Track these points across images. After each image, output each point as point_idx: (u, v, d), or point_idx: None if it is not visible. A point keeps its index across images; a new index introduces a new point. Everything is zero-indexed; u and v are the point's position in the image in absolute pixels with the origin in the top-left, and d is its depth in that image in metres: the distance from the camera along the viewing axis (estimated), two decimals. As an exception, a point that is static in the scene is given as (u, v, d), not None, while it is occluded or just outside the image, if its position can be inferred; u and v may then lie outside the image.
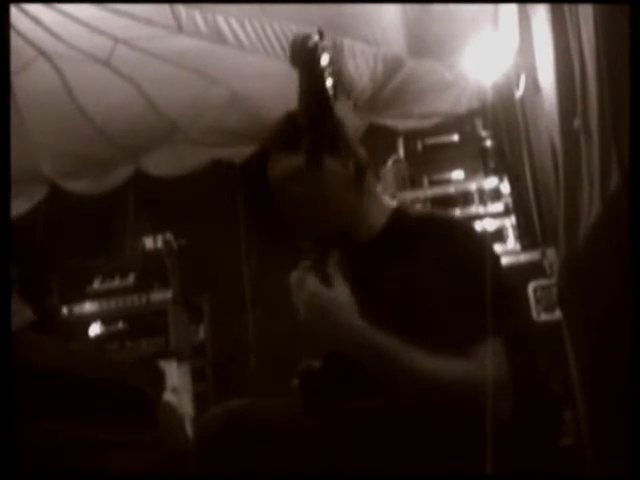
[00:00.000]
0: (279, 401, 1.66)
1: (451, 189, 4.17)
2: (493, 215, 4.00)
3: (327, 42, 1.34)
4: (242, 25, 3.74)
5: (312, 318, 1.41)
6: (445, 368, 1.32)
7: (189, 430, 3.30)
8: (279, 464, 1.37)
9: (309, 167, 1.44)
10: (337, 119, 1.47)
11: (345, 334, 1.37)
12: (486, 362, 1.30)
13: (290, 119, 1.58)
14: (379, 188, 1.73)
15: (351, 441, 1.39)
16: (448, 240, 1.48)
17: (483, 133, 4.31)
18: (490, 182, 4.11)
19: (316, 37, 1.32)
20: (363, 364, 1.38)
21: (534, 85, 3.19)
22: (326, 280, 1.41)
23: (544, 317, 3.25)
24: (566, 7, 2.34)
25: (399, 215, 1.63)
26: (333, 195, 1.59)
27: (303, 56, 1.33)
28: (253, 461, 1.38)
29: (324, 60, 1.32)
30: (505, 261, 3.40)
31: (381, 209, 1.64)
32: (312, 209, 1.60)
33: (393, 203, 1.69)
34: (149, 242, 5.22)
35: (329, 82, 1.32)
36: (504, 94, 4.00)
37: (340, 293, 1.41)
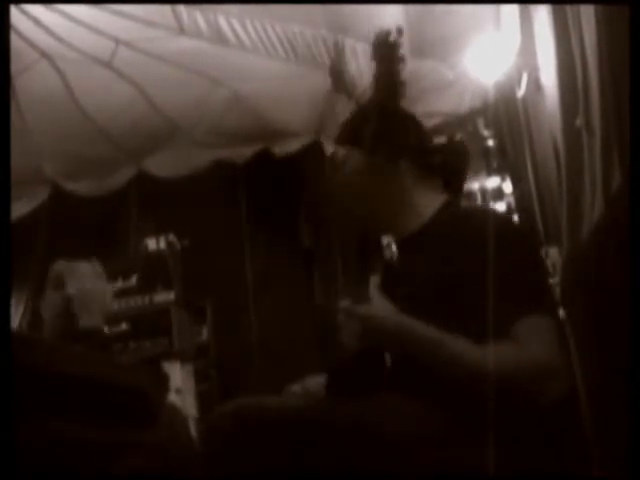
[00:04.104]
0: (288, 399, 1.67)
1: (453, 189, 4.17)
2: (496, 214, 4.00)
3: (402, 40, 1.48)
4: (243, 26, 3.74)
5: (374, 334, 1.47)
6: (506, 354, 1.35)
7: (193, 431, 3.29)
8: (286, 461, 1.37)
9: (373, 154, 1.57)
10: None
11: (408, 336, 1.43)
12: (536, 345, 1.36)
13: (359, 115, 1.70)
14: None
15: (377, 436, 1.39)
16: (493, 230, 1.51)
17: (485, 132, 4.31)
18: (492, 181, 4.11)
19: (395, 34, 1.45)
20: (393, 361, 1.46)
21: (536, 84, 3.19)
22: (365, 299, 1.48)
23: (547, 316, 3.25)
24: (568, 6, 2.34)
25: (449, 207, 1.67)
26: (387, 184, 1.66)
27: (384, 50, 1.46)
28: (260, 459, 1.37)
29: (400, 53, 1.46)
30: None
31: (432, 200, 1.68)
32: (365, 201, 1.69)
33: (445, 196, 1.71)
34: (152, 243, 5.22)
35: (402, 77, 1.47)
36: (506, 93, 4.00)
37: (383, 303, 1.48)
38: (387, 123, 1.55)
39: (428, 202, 1.67)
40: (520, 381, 1.34)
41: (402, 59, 1.45)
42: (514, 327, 1.37)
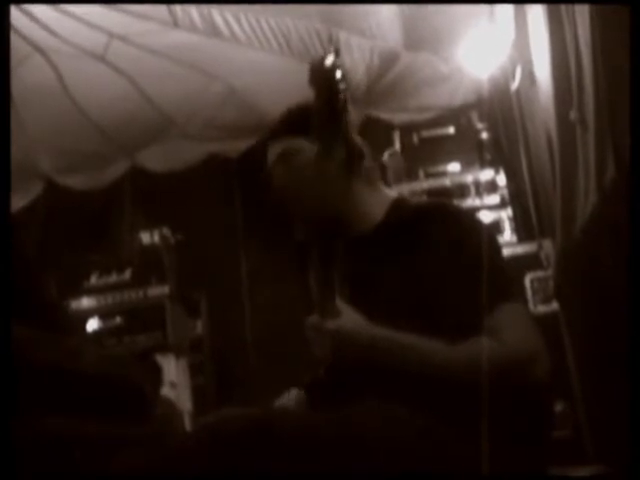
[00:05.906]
0: (273, 410, 1.66)
1: (447, 181, 4.18)
2: (489, 207, 4.00)
3: (340, 60, 1.39)
4: (238, 19, 3.73)
5: (346, 348, 1.46)
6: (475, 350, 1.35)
7: (187, 425, 3.30)
8: (267, 472, 1.33)
9: (321, 158, 1.48)
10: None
11: (380, 346, 1.43)
12: (511, 334, 1.38)
13: (296, 112, 1.72)
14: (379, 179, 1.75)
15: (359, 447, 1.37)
16: (448, 226, 1.52)
17: (479, 125, 4.31)
18: (486, 174, 4.11)
19: (332, 57, 1.37)
20: (369, 371, 1.43)
21: (530, 77, 3.19)
22: (334, 313, 1.48)
23: (541, 309, 3.26)
24: (561, 0, 2.34)
25: (399, 206, 1.65)
26: (336, 184, 1.63)
27: (321, 75, 1.38)
28: (242, 470, 1.33)
29: (338, 75, 1.37)
30: (502, 253, 3.41)
31: (381, 200, 1.67)
32: (314, 198, 1.65)
33: (393, 194, 1.71)
34: (146, 237, 5.21)
35: (342, 97, 1.38)
36: (500, 87, 4.00)
37: (352, 316, 1.47)
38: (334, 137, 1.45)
39: (376, 203, 1.67)
40: (502, 372, 1.34)
41: (342, 80, 1.39)
42: (486, 320, 1.37)
